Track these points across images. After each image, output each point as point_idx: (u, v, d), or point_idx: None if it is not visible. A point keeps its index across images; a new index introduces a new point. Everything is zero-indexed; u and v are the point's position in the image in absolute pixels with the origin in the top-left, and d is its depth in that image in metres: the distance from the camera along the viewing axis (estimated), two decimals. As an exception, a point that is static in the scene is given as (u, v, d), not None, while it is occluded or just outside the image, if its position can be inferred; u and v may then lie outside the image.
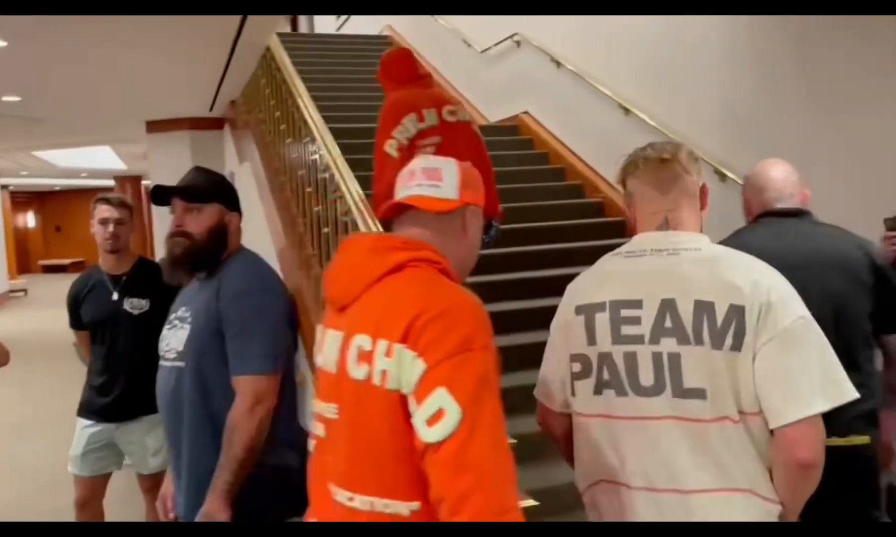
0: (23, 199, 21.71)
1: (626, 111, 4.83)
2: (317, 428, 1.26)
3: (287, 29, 13.40)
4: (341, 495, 1.17)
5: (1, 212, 15.59)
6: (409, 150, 2.98)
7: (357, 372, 1.16)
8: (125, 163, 14.53)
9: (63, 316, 2.97)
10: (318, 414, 1.25)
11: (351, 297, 1.22)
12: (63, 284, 3.21)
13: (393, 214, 1.32)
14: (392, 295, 1.17)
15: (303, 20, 13.37)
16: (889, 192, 3.08)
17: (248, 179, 6.16)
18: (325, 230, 3.63)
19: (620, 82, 4.97)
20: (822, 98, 3.59)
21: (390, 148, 3.01)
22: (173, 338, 1.90)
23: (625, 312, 1.37)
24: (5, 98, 6.53)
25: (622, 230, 4.84)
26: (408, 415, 1.09)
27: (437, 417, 1.04)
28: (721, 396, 1.29)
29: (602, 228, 4.71)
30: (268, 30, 4.70)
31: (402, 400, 1.09)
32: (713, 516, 1.29)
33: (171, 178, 7.02)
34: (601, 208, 5.03)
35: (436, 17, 7.53)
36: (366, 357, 1.15)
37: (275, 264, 4.66)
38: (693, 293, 1.32)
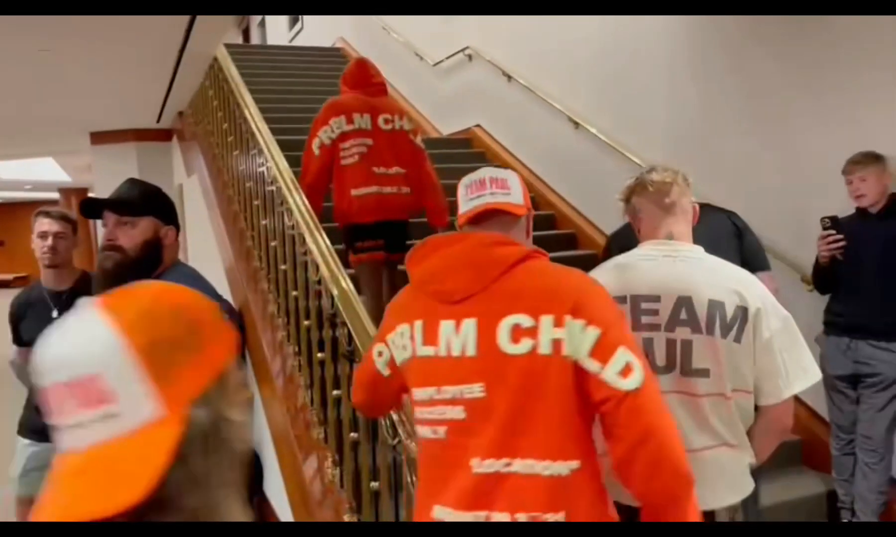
0: (-38, 213, 20.95)
1: (576, 125, 4.88)
2: (450, 413, 1.33)
3: (239, 40, 13.25)
4: (493, 465, 1.28)
5: (-63, 226, 14.98)
6: (331, 150, 3.26)
7: (515, 348, 1.28)
8: (70, 175, 14.11)
9: (5, 332, 2.87)
10: (453, 398, 1.32)
11: (476, 288, 1.33)
12: (6, 300, 3.12)
13: (476, 219, 1.44)
14: (542, 278, 1.35)
15: (255, 31, 13.23)
16: (816, 202, 3.18)
17: (196, 192, 6.03)
18: (273, 243, 3.58)
19: (570, 96, 5.02)
20: (758, 117, 3.69)
21: (314, 146, 3.27)
22: None
23: (644, 305, 1.67)
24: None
25: (573, 242, 4.89)
26: (579, 378, 1.27)
27: (627, 370, 1.25)
28: (720, 376, 1.63)
29: (553, 241, 4.74)
30: (214, 40, 4.61)
31: (575, 364, 1.26)
32: (710, 467, 1.59)
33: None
34: (553, 221, 5.07)
35: (389, 29, 7.53)
36: (528, 332, 1.28)
37: (222, 278, 4.56)
38: (707, 293, 1.63)
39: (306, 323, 3.03)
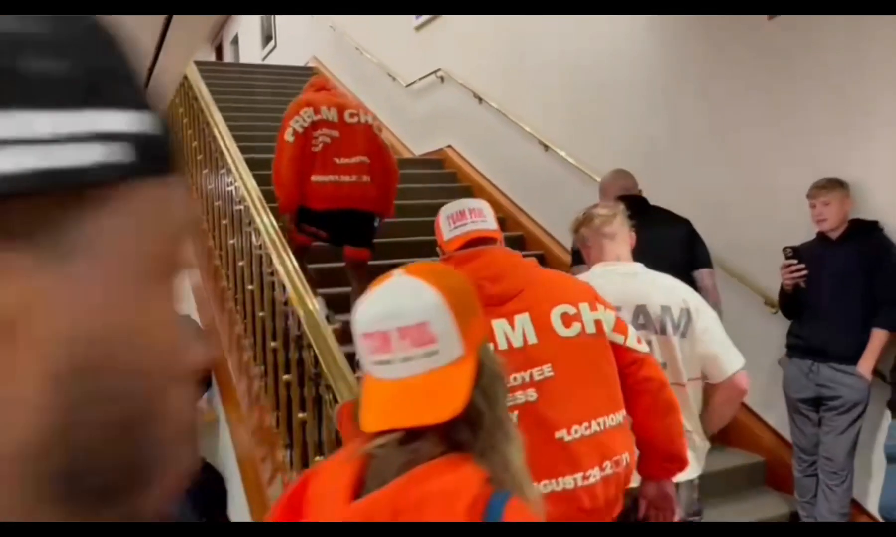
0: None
1: (546, 147, 4.94)
2: (522, 397, 1.52)
3: (212, 57, 13.19)
4: (578, 430, 1.52)
5: None
6: (304, 137, 3.47)
7: (568, 331, 1.57)
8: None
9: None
10: (524, 383, 1.53)
11: (517, 291, 1.60)
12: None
13: (466, 244, 1.67)
14: (559, 276, 1.76)
15: (228, 49, 13.19)
16: (779, 229, 3.25)
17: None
18: (241, 263, 3.55)
19: (541, 120, 5.08)
20: (725, 146, 3.77)
21: (287, 134, 3.46)
22: None
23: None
24: None
25: (542, 263, 4.89)
26: (612, 348, 1.60)
27: (639, 340, 1.66)
28: (677, 369, 1.97)
29: (523, 262, 4.76)
30: (185, 58, 4.58)
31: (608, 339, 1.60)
32: None
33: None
34: (522, 242, 5.10)
35: (362, 50, 7.56)
36: (574, 318, 1.58)
37: (190, 297, 4.50)
38: (658, 301, 2.00)
39: (273, 344, 3.00)
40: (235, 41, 12.77)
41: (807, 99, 3.34)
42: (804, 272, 2.96)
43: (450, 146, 6.19)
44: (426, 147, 6.54)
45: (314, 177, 3.46)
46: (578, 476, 1.50)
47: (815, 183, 3.05)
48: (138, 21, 3.67)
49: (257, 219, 3.24)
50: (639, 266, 2.10)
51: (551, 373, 1.53)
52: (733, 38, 3.70)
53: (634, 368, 1.62)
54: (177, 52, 4.25)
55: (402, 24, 6.80)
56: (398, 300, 0.94)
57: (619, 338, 1.61)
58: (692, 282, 2.56)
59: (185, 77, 4.89)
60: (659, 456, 1.71)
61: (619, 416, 1.58)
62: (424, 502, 0.86)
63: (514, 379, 1.50)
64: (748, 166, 3.63)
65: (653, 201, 3.07)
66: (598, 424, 1.53)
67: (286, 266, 2.94)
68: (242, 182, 3.52)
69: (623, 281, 2.03)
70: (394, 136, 7.03)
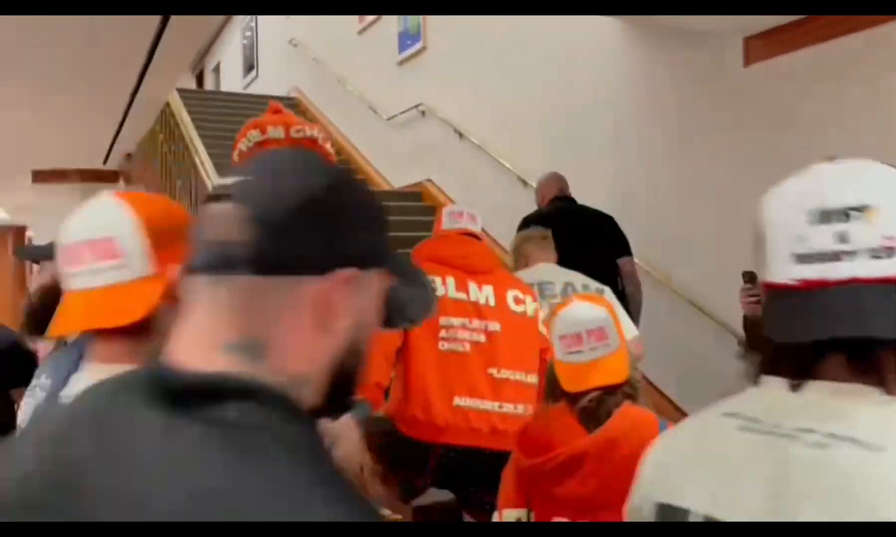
0: None
1: (525, 184, 5.00)
2: (475, 337, 2.17)
3: (193, 85, 13.20)
4: (505, 373, 2.16)
5: None
6: (248, 156, 3.51)
7: (517, 308, 2.25)
8: (7, 212, 13.66)
9: None
10: (478, 328, 2.18)
11: (487, 269, 2.31)
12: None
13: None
14: (516, 277, 2.55)
15: (209, 77, 13.22)
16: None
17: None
18: None
19: (520, 156, 5.16)
20: (699, 187, 3.86)
21: (235, 155, 3.55)
22: (30, 408, 1.76)
23: (547, 290, 2.63)
24: None
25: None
26: (539, 334, 2.22)
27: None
28: None
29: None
30: (168, 85, 4.60)
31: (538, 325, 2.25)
32: None
33: (57, 231, 6.66)
34: (500, 276, 5.14)
35: (343, 82, 7.63)
36: (521, 301, 2.27)
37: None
38: (581, 282, 2.74)
39: None
40: (217, 69, 12.81)
41: (782, 144, 3.44)
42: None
43: (429, 180, 6.25)
44: (405, 180, 6.59)
45: None
46: (496, 404, 2.11)
47: None
48: (124, 49, 3.69)
49: None
50: (560, 268, 2.86)
51: (498, 329, 2.18)
52: (710, 82, 3.81)
53: (547, 354, 2.05)
54: (160, 79, 4.28)
55: (385, 59, 6.89)
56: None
57: (542, 328, 2.20)
58: (616, 268, 3.37)
59: (167, 104, 4.91)
60: None
61: (534, 378, 2.16)
62: (635, 428, 1.43)
63: (474, 323, 2.18)
64: (723, 206, 3.71)
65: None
66: (520, 376, 2.15)
67: None
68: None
69: (555, 270, 2.82)
70: (373, 168, 7.08)
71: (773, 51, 3.40)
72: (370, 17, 7.21)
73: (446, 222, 2.39)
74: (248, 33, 11.09)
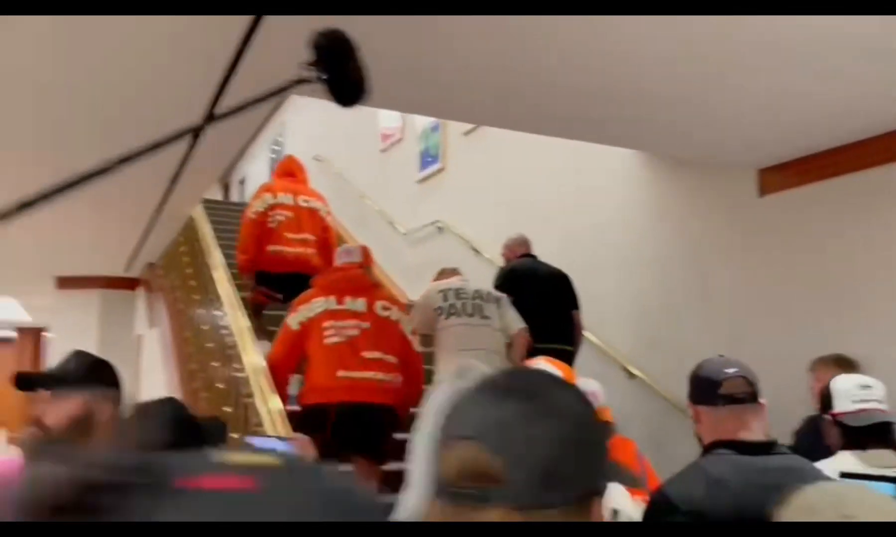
0: None
1: (540, 302, 4.99)
2: (350, 332, 3.13)
3: (219, 196, 13.60)
4: (373, 354, 3.11)
5: None
6: (262, 217, 4.38)
7: (383, 313, 3.23)
8: (30, 314, 13.84)
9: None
10: (353, 326, 3.15)
11: (361, 288, 3.27)
12: None
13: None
14: (384, 289, 3.71)
15: (235, 188, 13.63)
16: (771, 401, 3.22)
17: (155, 345, 5.94)
18: (227, 409, 3.52)
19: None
20: (714, 314, 3.83)
21: (251, 212, 4.40)
22: None
23: (459, 301, 3.53)
24: None
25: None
26: (403, 333, 3.29)
27: (412, 332, 3.39)
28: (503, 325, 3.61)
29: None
30: (193, 200, 4.73)
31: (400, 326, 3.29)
32: None
33: (77, 335, 6.73)
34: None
35: (364, 197, 7.82)
36: (388, 308, 3.27)
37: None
38: (486, 288, 3.72)
39: None
40: (243, 182, 13.22)
41: (797, 272, 3.42)
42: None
43: (445, 294, 6.26)
44: (420, 292, 6.60)
45: (269, 247, 4.27)
46: (367, 374, 3.08)
47: (819, 357, 2.96)
48: (154, 166, 3.82)
49: (240, 346, 3.33)
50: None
51: (368, 326, 3.16)
52: (725, 210, 3.85)
53: (411, 352, 3.32)
54: (186, 194, 4.39)
55: (406, 177, 7.09)
56: None
57: (406, 327, 3.32)
58: (570, 318, 3.95)
59: (191, 216, 5.03)
60: (412, 382, 3.28)
61: (393, 358, 3.18)
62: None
63: (348, 323, 3.15)
64: (738, 334, 3.66)
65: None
66: (381, 355, 3.13)
67: (267, 406, 2.92)
68: (236, 322, 3.58)
69: (462, 282, 3.69)
70: (387, 278, 7.14)
71: (788, 182, 3.45)
72: (394, 137, 7.47)
73: (337, 259, 3.51)
74: (275, 148, 11.51)
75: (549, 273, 4.05)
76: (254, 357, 3.23)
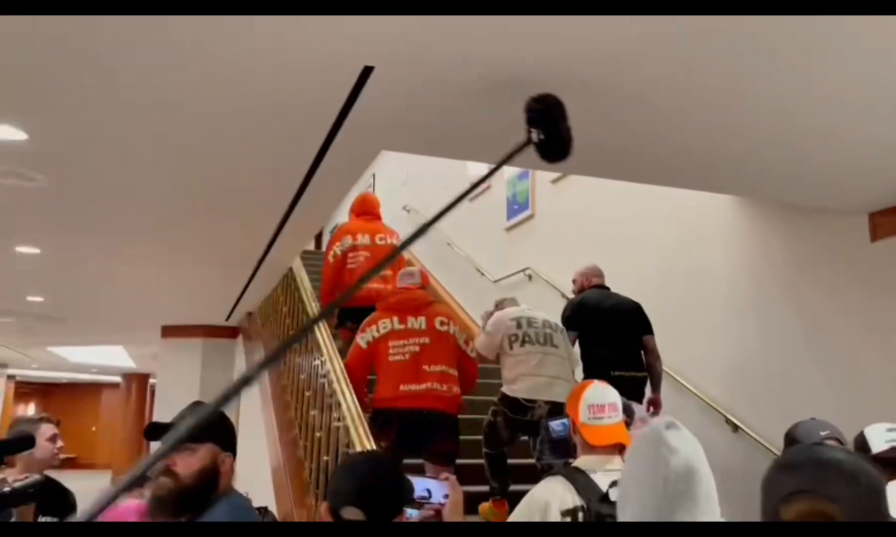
0: (26, 390, 21.61)
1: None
2: (412, 349, 3.50)
3: (311, 246, 14.05)
4: (431, 367, 3.48)
5: (2, 402, 15.46)
6: (342, 259, 4.74)
7: (441, 328, 3.62)
8: (135, 361, 14.61)
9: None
10: (416, 343, 3.53)
11: (420, 307, 3.67)
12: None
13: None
14: (444, 305, 4.41)
15: (326, 238, 14.04)
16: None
17: (253, 392, 6.13)
18: (318, 434, 3.60)
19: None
20: (820, 353, 3.63)
21: (330, 256, 4.77)
22: None
23: (531, 328, 3.75)
24: (30, 298, 6.73)
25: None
26: (459, 345, 3.68)
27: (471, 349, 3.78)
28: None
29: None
30: (293, 253, 4.92)
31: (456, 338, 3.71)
32: None
33: (179, 382, 7.04)
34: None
35: (453, 245, 7.91)
36: (446, 324, 3.66)
37: (268, 478, 4.49)
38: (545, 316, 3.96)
39: None
40: (333, 231, 13.61)
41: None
42: None
43: (536, 342, 6.20)
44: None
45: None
46: (426, 384, 3.43)
47: None
48: (258, 222, 4.01)
49: (339, 394, 3.38)
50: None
51: (427, 342, 3.53)
52: (834, 256, 3.67)
53: (466, 360, 3.71)
54: (287, 247, 4.57)
55: (494, 225, 7.13)
56: None
57: (462, 342, 3.69)
58: (640, 345, 4.03)
59: (290, 269, 5.22)
60: (466, 387, 3.71)
61: (453, 370, 3.57)
62: None
63: (406, 342, 3.52)
64: (847, 376, 3.45)
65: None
66: (443, 368, 3.50)
67: (363, 444, 2.96)
68: (332, 367, 3.66)
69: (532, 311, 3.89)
70: (478, 327, 7.14)
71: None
72: (481, 186, 7.54)
73: (399, 281, 3.90)
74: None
75: (617, 302, 4.12)
76: (353, 405, 3.29)
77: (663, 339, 4.74)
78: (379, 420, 3.45)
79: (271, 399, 5.25)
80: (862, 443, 2.37)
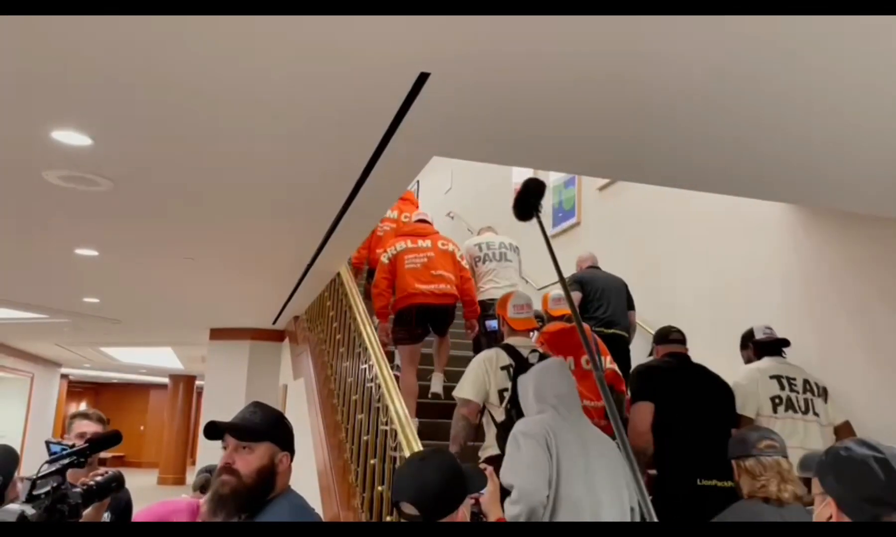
0: (78, 389, 22.26)
1: (684, 361, 4.79)
2: (421, 260, 4.79)
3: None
4: (439, 272, 4.80)
5: (56, 400, 15.95)
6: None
7: (442, 247, 4.98)
8: (182, 363, 14.93)
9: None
10: (424, 256, 4.85)
11: (427, 235, 5.06)
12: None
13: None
14: (442, 237, 5.20)
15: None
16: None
17: (300, 395, 6.21)
18: (365, 437, 3.63)
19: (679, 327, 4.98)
20: (879, 358, 3.52)
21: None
22: None
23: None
24: (86, 299, 6.94)
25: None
26: (455, 259, 5.03)
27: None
28: None
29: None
30: (340, 259, 4.97)
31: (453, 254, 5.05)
32: None
33: (226, 383, 7.17)
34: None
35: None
36: (445, 244, 5.06)
37: (314, 487, 4.54)
38: None
39: (389, 519, 2.97)
40: (377, 237, 13.71)
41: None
42: None
43: (581, 351, 6.15)
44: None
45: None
46: (434, 285, 4.70)
47: None
48: (305, 233, 4.07)
49: (387, 398, 3.40)
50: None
51: (433, 256, 4.80)
52: (890, 263, 3.57)
53: (461, 269, 4.97)
54: (334, 254, 4.63)
55: (539, 233, 7.09)
56: None
57: (459, 260, 4.97)
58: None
59: (338, 274, 5.28)
60: (463, 291, 4.93)
61: (451, 275, 4.80)
62: None
63: (417, 256, 4.77)
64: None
65: None
66: (444, 274, 4.74)
67: (412, 448, 2.97)
68: (381, 371, 3.69)
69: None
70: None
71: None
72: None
73: (413, 218, 5.51)
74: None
75: (607, 277, 5.00)
76: (401, 409, 3.31)
77: (718, 356, 4.65)
78: (401, 316, 4.66)
79: (318, 401, 5.31)
80: (749, 335, 3.69)
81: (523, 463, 2.39)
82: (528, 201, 2.74)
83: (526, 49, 1.97)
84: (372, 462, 3.60)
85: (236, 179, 3.31)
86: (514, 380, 3.01)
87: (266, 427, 1.91)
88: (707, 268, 4.85)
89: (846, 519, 1.39)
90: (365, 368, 4.06)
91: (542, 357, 3.19)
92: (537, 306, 4.29)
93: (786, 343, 3.61)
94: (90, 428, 2.81)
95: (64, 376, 18.01)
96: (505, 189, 7.84)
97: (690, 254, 5.02)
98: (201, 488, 3.59)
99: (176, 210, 3.80)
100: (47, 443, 2.25)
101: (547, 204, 7.05)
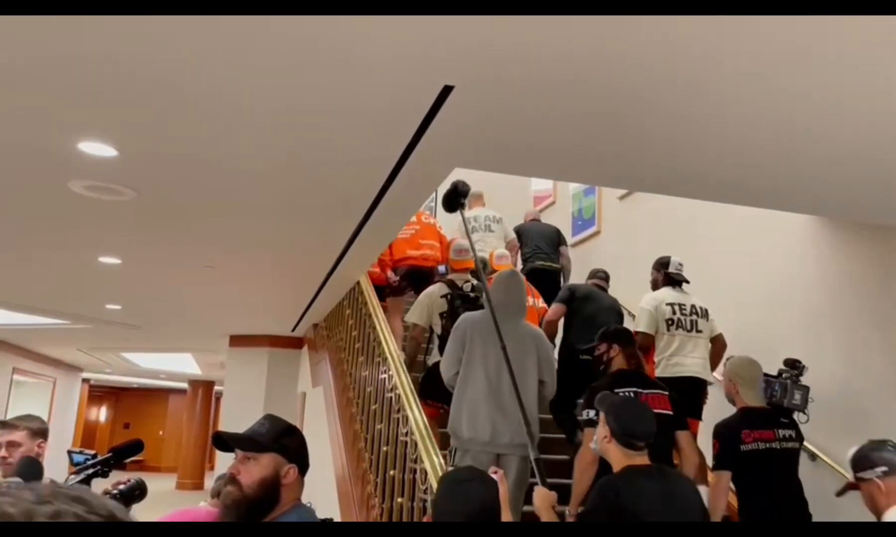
0: (99, 393, 22.46)
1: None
2: (411, 231, 5.79)
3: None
4: (427, 241, 5.89)
5: (77, 404, 16.11)
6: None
7: (426, 221, 6.05)
8: (201, 368, 15.03)
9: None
10: (412, 228, 5.76)
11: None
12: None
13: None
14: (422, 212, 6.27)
15: (387, 251, 14.18)
16: None
17: (318, 403, 6.22)
18: (385, 448, 3.64)
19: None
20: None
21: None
22: None
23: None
24: (108, 306, 7.01)
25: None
26: (437, 230, 6.12)
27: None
28: None
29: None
30: (360, 268, 4.98)
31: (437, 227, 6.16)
32: None
33: (245, 389, 7.19)
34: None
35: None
36: (429, 218, 6.28)
37: (333, 496, 4.54)
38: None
39: None
40: (395, 244, 13.74)
41: None
42: None
43: (600, 360, 6.12)
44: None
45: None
46: (422, 251, 5.74)
47: None
48: (326, 242, 4.08)
49: (407, 408, 3.39)
50: None
51: (419, 229, 5.87)
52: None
53: (442, 239, 5.99)
54: (354, 263, 4.64)
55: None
56: None
57: (442, 233, 6.01)
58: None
59: (357, 282, 5.29)
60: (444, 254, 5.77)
61: (436, 243, 5.88)
62: None
63: (410, 228, 5.72)
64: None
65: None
66: (430, 243, 5.85)
67: (432, 460, 2.95)
68: (400, 380, 3.69)
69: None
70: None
71: None
72: (545, 201, 7.51)
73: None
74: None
75: (541, 228, 6.27)
76: (420, 420, 3.30)
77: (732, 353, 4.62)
78: (398, 270, 5.66)
79: (336, 411, 5.32)
80: (665, 263, 4.52)
81: (446, 351, 3.39)
82: (455, 199, 3.40)
83: (553, 52, 1.96)
84: (392, 473, 3.59)
85: (259, 190, 3.33)
86: (450, 302, 4.10)
87: (271, 438, 1.87)
88: (728, 279, 4.80)
89: None
90: (384, 378, 4.06)
91: (475, 287, 4.13)
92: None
93: (686, 281, 4.51)
94: (7, 437, 2.74)
95: (85, 381, 18.18)
96: (525, 193, 7.83)
97: (711, 264, 4.97)
98: (218, 495, 3.60)
99: (197, 220, 3.83)
100: (69, 453, 2.26)
101: (566, 212, 7.05)
